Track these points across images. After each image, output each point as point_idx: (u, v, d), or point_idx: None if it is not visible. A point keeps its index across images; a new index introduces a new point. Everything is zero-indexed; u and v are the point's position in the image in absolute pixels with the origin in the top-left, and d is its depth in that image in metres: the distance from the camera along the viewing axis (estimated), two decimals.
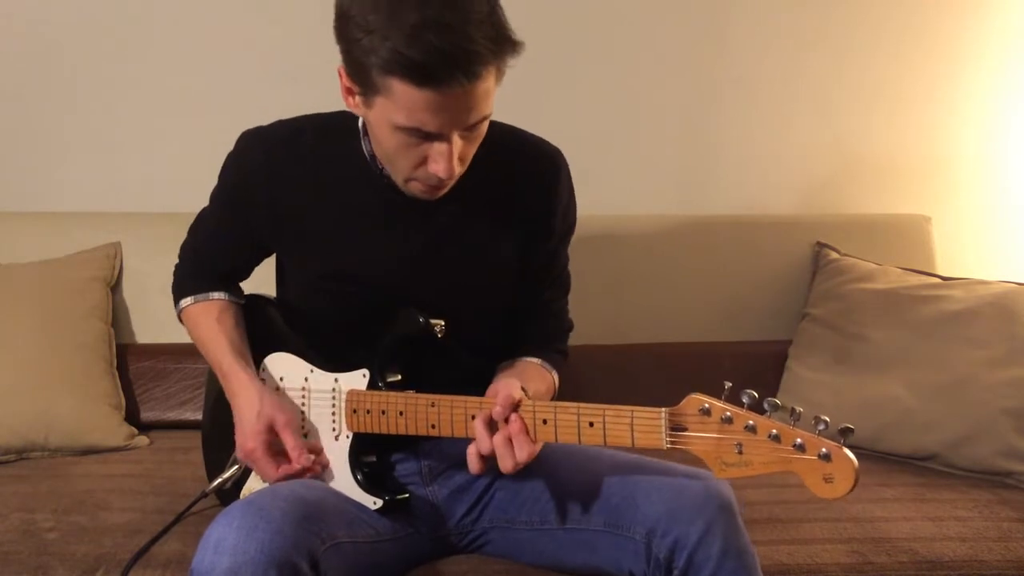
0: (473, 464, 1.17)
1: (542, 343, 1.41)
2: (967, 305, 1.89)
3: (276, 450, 1.31)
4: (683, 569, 1.14)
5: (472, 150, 1.19)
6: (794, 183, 2.40)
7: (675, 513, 1.15)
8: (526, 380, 1.27)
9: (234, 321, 1.43)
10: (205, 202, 1.46)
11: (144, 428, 1.98)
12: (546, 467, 1.30)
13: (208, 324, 1.42)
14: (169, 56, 2.23)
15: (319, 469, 1.31)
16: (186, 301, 1.46)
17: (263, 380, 1.39)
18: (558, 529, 1.27)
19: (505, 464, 1.14)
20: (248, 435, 1.31)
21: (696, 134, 2.38)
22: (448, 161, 1.13)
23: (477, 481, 1.34)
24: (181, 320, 1.49)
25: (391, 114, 1.11)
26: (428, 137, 1.13)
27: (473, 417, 1.17)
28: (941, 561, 1.45)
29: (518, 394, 1.15)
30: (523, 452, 1.13)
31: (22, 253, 2.04)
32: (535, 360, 1.39)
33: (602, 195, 2.21)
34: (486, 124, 1.17)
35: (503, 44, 1.08)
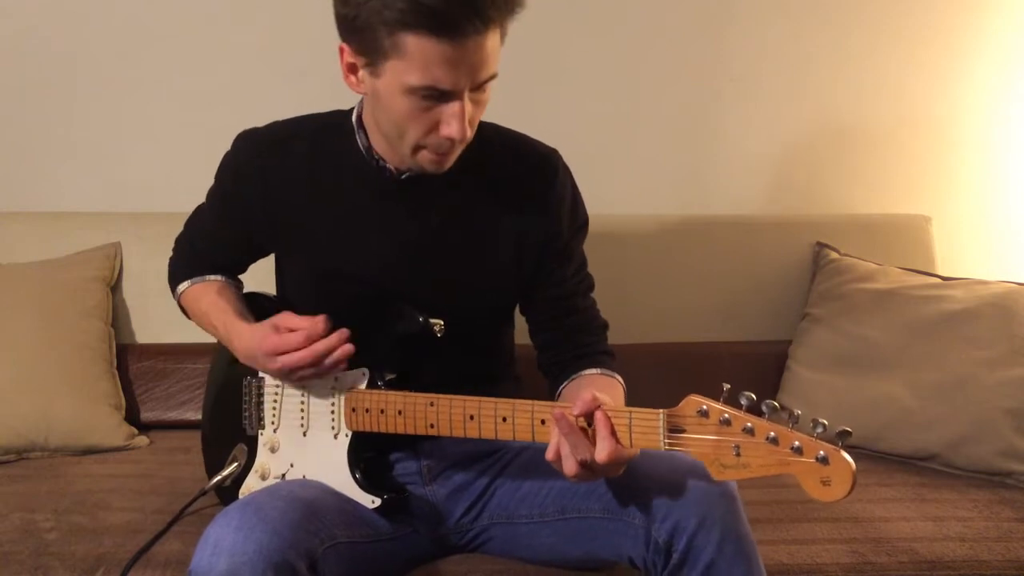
0: (571, 467, 1.10)
1: (580, 345, 1.37)
2: (967, 305, 1.89)
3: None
4: (683, 553, 1.14)
5: (479, 115, 1.20)
6: (794, 183, 2.41)
7: (675, 498, 1.15)
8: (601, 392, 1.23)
9: (235, 294, 1.45)
10: (202, 202, 1.46)
11: (144, 428, 1.98)
12: (546, 465, 1.29)
13: (210, 299, 1.43)
14: (169, 56, 2.23)
15: (346, 339, 1.26)
16: (184, 285, 1.48)
17: (262, 378, 1.40)
18: (557, 520, 1.27)
19: (600, 456, 1.07)
20: (260, 340, 1.27)
21: (696, 134, 2.38)
22: (461, 121, 1.14)
23: (476, 480, 1.35)
24: (181, 306, 1.50)
25: (404, 75, 1.11)
26: (441, 97, 1.13)
27: (543, 422, 1.14)
28: (941, 561, 1.45)
29: (600, 399, 1.11)
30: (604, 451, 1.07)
31: (22, 253, 2.04)
32: (595, 371, 1.35)
33: (602, 195, 2.19)
34: (490, 89, 1.18)
35: None
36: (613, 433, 1.08)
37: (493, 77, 1.16)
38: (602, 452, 1.07)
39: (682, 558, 1.14)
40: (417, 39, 1.08)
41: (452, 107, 1.14)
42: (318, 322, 1.24)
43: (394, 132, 1.21)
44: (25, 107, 2.23)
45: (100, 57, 2.22)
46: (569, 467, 1.09)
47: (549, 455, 1.12)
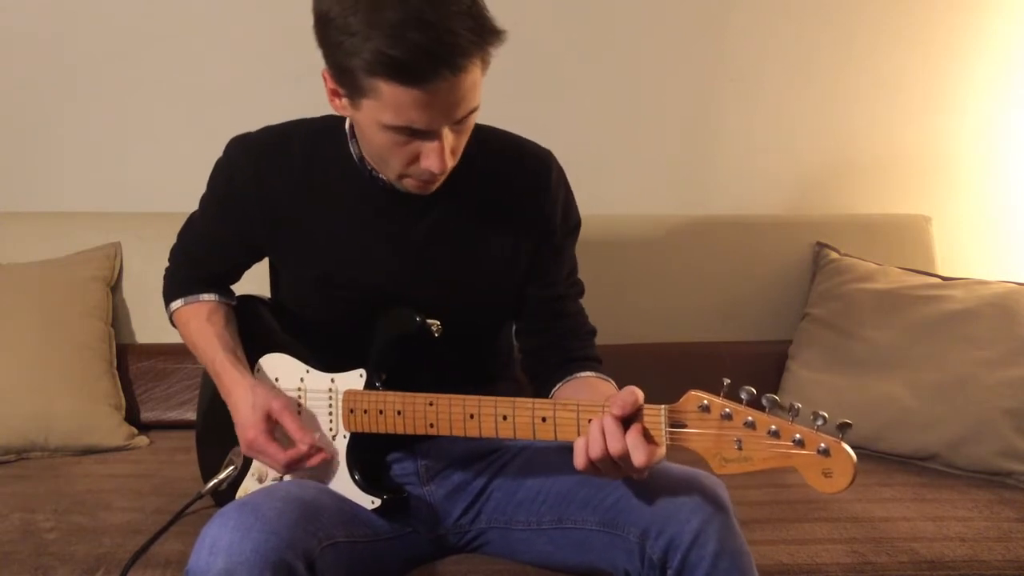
0: (581, 461, 1.10)
1: (570, 350, 1.37)
2: (967, 305, 1.89)
3: (279, 439, 1.30)
4: (677, 569, 1.13)
5: (463, 142, 1.19)
6: (794, 183, 2.41)
7: (669, 514, 1.15)
8: (604, 395, 1.23)
9: (224, 320, 1.44)
10: (195, 209, 1.46)
11: (144, 428, 1.98)
12: (543, 468, 1.31)
13: (198, 324, 1.42)
14: (169, 56, 2.24)
15: (326, 454, 1.30)
16: (176, 304, 1.47)
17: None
18: (554, 529, 1.27)
19: (639, 458, 1.05)
20: (247, 427, 1.30)
21: (696, 134, 2.38)
22: (440, 156, 1.13)
23: (474, 481, 1.35)
24: (173, 323, 1.50)
25: (379, 115, 1.11)
26: (418, 134, 1.13)
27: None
28: (941, 561, 1.45)
29: (640, 395, 1.10)
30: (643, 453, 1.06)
31: (22, 253, 2.04)
32: (589, 374, 1.34)
33: (602, 195, 2.22)
34: (475, 116, 1.17)
35: (486, 35, 1.08)
36: (648, 436, 1.07)
37: (474, 111, 1.15)
38: (641, 455, 1.05)
39: (677, 574, 1.14)
40: (388, 85, 1.07)
41: (431, 144, 1.13)
42: (307, 444, 1.27)
43: (378, 160, 1.22)
44: (25, 107, 2.24)
45: (100, 57, 2.23)
46: (640, 459, 1.06)
47: (614, 452, 1.08)
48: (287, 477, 1.34)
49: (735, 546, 1.14)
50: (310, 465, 1.29)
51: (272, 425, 1.30)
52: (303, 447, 1.27)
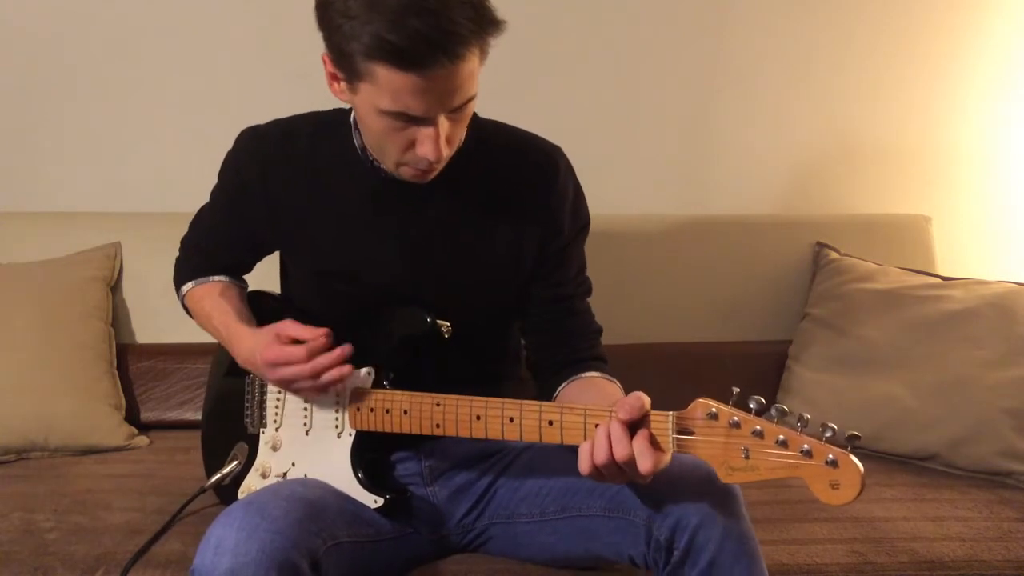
0: (586, 466, 1.10)
1: (576, 349, 1.37)
2: (967, 305, 1.89)
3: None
4: (684, 550, 1.14)
5: (460, 131, 1.19)
6: (794, 183, 2.41)
7: (676, 496, 1.15)
8: (610, 395, 1.24)
9: (238, 297, 1.44)
10: (205, 202, 1.47)
11: (144, 428, 1.98)
12: (546, 465, 1.31)
13: (212, 300, 1.43)
14: (169, 56, 2.23)
15: (348, 347, 1.25)
16: (188, 285, 1.48)
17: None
18: (558, 519, 1.27)
19: (645, 465, 1.05)
20: (261, 349, 1.26)
21: (696, 134, 2.38)
22: (435, 144, 1.14)
23: (478, 481, 1.35)
24: (185, 306, 1.50)
25: (376, 99, 1.11)
26: (414, 121, 1.13)
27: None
28: (941, 561, 1.45)
29: (647, 401, 1.10)
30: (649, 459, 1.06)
31: (22, 253, 2.04)
32: (595, 374, 1.34)
33: (602, 195, 2.19)
34: (472, 105, 1.17)
35: (485, 25, 1.09)
36: (654, 443, 1.07)
37: (471, 100, 1.15)
38: (647, 462, 1.05)
39: (683, 556, 1.14)
40: (386, 70, 1.07)
41: (427, 130, 1.14)
42: (320, 335, 1.23)
43: (375, 146, 1.22)
44: (25, 107, 2.23)
45: (100, 57, 2.22)
46: (647, 466, 1.05)
47: (620, 457, 1.07)
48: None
49: (742, 529, 1.14)
50: (335, 363, 1.23)
51: (284, 341, 1.27)
52: (322, 338, 1.23)
